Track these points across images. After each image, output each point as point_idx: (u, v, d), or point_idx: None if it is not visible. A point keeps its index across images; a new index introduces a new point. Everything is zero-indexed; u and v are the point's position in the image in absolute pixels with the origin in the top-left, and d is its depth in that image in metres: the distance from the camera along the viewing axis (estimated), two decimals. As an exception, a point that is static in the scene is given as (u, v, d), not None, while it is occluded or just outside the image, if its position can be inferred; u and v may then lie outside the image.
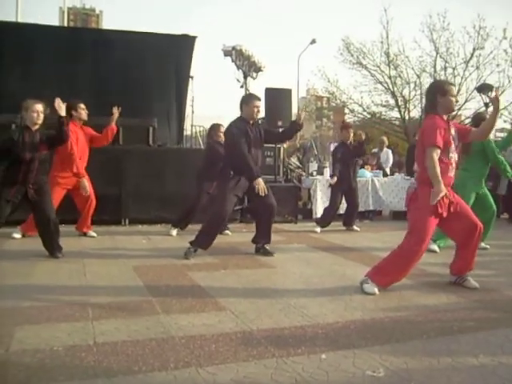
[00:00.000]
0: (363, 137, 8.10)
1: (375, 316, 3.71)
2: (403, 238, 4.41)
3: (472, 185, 6.27)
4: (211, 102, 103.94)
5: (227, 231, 7.71)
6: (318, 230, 8.35)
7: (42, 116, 5.66)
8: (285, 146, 8.03)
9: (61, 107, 5.63)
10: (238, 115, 6.14)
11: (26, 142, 5.55)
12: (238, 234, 6.51)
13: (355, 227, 8.57)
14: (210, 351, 2.96)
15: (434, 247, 6.37)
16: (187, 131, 15.83)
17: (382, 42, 26.08)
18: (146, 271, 5.09)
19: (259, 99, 6.17)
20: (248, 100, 6.11)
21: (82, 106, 6.95)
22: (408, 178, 11.00)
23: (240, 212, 9.03)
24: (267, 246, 6.20)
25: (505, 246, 6.99)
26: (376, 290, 4.33)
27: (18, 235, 6.78)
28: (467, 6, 58.65)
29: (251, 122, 6.07)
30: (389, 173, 11.60)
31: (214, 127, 7.83)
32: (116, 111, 7.21)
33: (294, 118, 6.53)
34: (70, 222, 7.16)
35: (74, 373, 2.65)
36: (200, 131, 16.30)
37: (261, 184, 5.90)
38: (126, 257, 5.85)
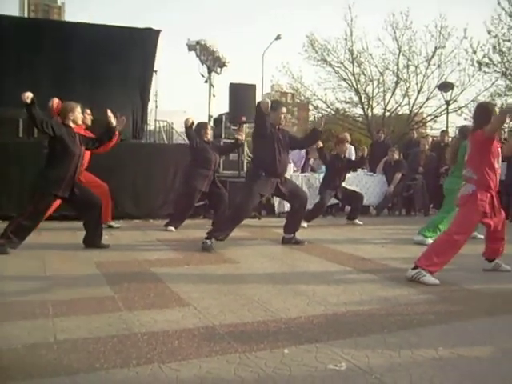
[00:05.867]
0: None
1: (337, 310, 3.75)
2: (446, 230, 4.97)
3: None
4: (175, 96, 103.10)
5: (171, 227, 7.69)
6: (305, 224, 8.37)
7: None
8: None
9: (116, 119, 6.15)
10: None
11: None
12: (202, 231, 6.49)
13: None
14: (172, 347, 2.95)
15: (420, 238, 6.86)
16: (151, 126, 15.71)
17: (346, 40, 26.30)
18: (109, 267, 5.03)
19: (285, 106, 6.61)
20: (276, 107, 6.37)
21: (88, 111, 7.13)
22: (371, 174, 11.14)
23: (204, 208, 9.00)
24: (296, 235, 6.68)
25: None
26: (437, 281, 4.56)
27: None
28: (429, 5, 59.69)
29: (277, 126, 6.38)
30: (352, 169, 11.68)
31: (204, 126, 7.95)
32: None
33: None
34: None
35: (34, 371, 2.60)
36: (164, 126, 16.20)
37: None
38: (87, 253, 5.78)
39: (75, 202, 5.96)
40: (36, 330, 3.18)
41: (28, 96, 5.20)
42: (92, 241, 6.01)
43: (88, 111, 7.18)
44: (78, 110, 5.96)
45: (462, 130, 7.21)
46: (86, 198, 5.96)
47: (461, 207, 4.96)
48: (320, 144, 7.90)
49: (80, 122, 6.12)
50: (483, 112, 5.01)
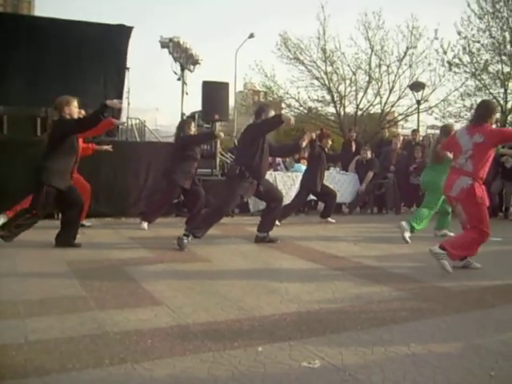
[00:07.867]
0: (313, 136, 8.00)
1: (310, 308, 3.77)
2: (470, 227, 5.07)
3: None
4: (147, 94, 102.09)
5: (144, 225, 7.64)
6: (278, 222, 8.35)
7: None
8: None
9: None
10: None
11: None
12: (174, 229, 6.46)
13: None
14: (145, 346, 2.93)
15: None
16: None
17: (318, 39, 26.35)
18: (80, 266, 4.98)
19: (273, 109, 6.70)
20: (268, 111, 6.49)
21: (82, 111, 7.03)
22: (343, 172, 11.22)
23: (176, 206, 8.96)
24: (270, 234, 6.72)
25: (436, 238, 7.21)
26: (451, 269, 4.81)
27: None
28: (401, 5, 60.23)
29: None
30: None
31: (187, 122, 8.05)
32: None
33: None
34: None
35: (4, 373, 2.56)
36: (136, 123, 16.05)
37: None
38: (59, 251, 5.70)
39: (61, 199, 5.89)
40: (6, 331, 3.13)
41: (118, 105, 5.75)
42: (65, 239, 5.93)
43: (82, 111, 7.10)
44: (75, 104, 5.90)
45: (444, 128, 7.34)
46: (71, 196, 5.93)
47: (464, 202, 5.04)
48: (313, 136, 7.91)
49: (76, 117, 6.00)
50: (488, 108, 5.16)
